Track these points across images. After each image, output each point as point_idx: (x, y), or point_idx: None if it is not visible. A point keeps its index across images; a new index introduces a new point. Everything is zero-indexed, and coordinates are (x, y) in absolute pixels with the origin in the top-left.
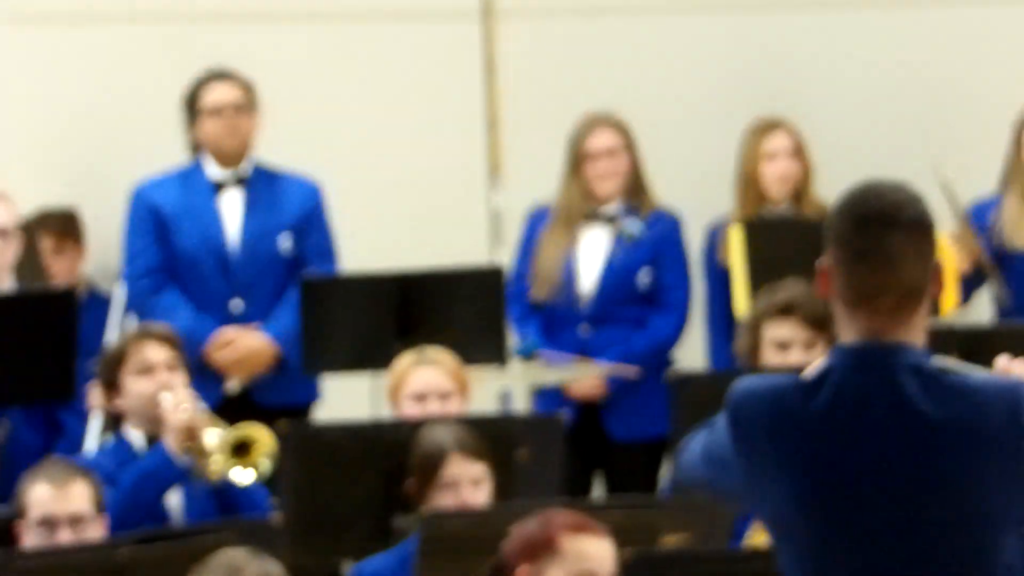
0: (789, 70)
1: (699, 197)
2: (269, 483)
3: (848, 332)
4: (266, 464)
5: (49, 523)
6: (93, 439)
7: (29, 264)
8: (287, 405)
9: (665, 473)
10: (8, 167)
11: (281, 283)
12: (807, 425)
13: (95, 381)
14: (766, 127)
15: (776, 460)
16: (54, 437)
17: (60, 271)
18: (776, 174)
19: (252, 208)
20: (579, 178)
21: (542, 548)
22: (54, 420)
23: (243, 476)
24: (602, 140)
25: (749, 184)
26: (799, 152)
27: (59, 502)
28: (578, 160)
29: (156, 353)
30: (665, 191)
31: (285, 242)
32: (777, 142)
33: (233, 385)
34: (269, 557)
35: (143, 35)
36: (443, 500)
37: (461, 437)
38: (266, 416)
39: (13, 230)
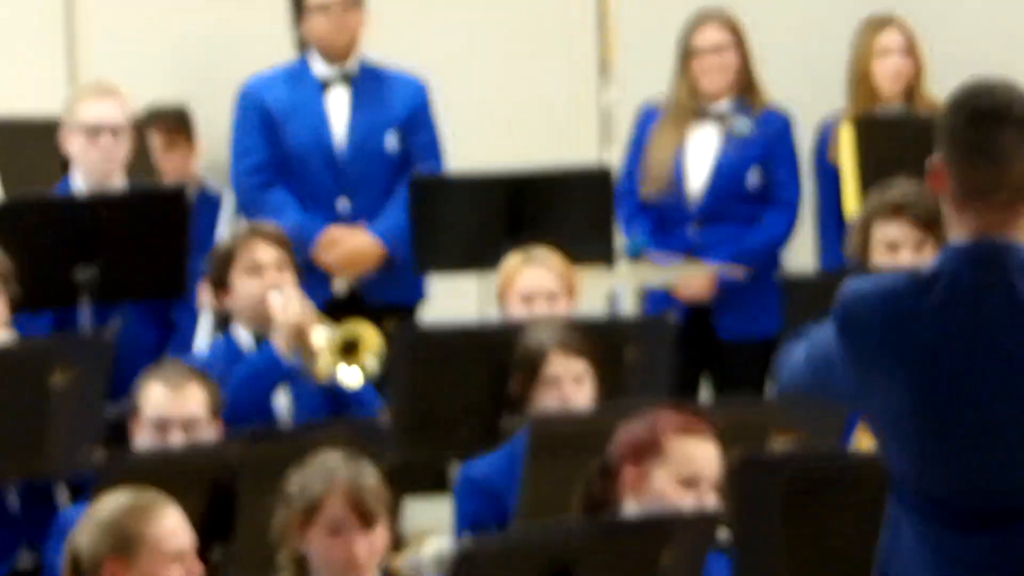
0: None
1: (811, 95)
2: (377, 382)
3: (959, 230)
4: (374, 363)
5: (163, 424)
6: (204, 337)
7: (140, 161)
8: (394, 304)
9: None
10: (119, 63)
11: (389, 182)
12: (921, 323)
13: (205, 280)
14: (878, 24)
15: (889, 358)
16: (166, 334)
17: (171, 168)
18: (888, 71)
19: (359, 106)
20: (687, 75)
21: (648, 449)
22: (166, 317)
23: (350, 375)
24: (710, 36)
25: (861, 82)
26: (911, 49)
27: (174, 404)
28: (686, 56)
29: (265, 253)
30: (776, 89)
31: (392, 140)
32: (889, 39)
33: (340, 284)
34: (367, 461)
35: None
36: (545, 397)
37: (562, 334)
38: (373, 315)
39: (125, 127)
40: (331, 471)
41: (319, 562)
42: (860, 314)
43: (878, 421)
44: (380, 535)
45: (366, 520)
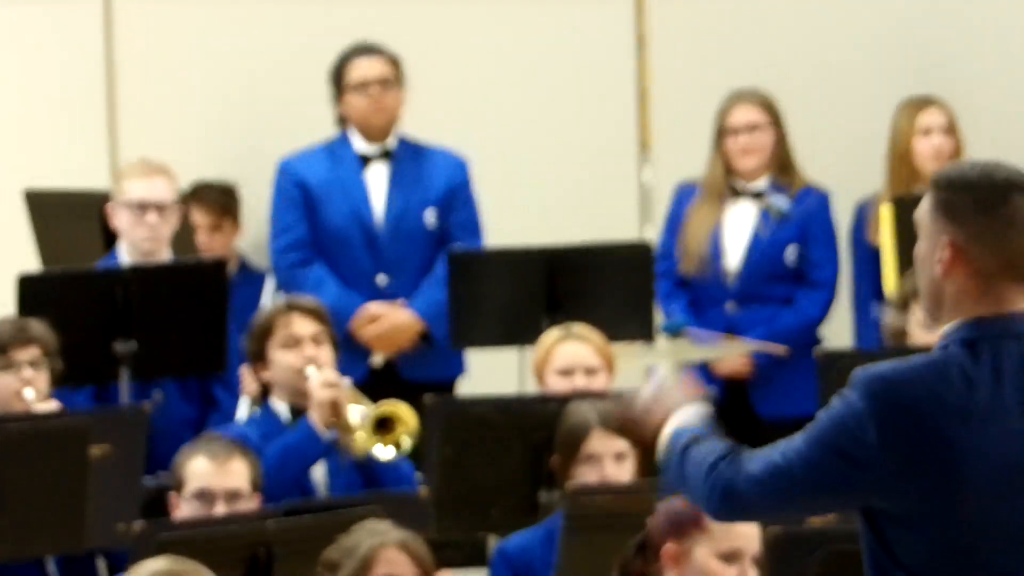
0: (938, 46)
1: (847, 174)
2: (414, 457)
3: (985, 304)
4: (408, 442)
5: (206, 497)
6: (244, 414)
7: (185, 239)
8: (432, 380)
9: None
10: (160, 139)
11: (427, 258)
12: (972, 405)
13: (247, 362)
14: (920, 103)
15: (935, 443)
16: (206, 410)
17: (216, 246)
18: (931, 151)
19: (398, 182)
20: (722, 153)
21: (689, 525)
22: (207, 393)
23: (385, 453)
24: (743, 115)
25: (902, 161)
26: (952, 128)
27: (218, 477)
28: (721, 135)
29: (303, 326)
30: (813, 167)
31: (431, 217)
32: (931, 118)
33: (378, 360)
34: (414, 530)
35: (294, 10)
36: (586, 475)
37: (604, 412)
38: (411, 390)
39: (171, 204)
40: (380, 532)
41: None
42: (898, 400)
43: (892, 514)
44: None
45: (424, 571)
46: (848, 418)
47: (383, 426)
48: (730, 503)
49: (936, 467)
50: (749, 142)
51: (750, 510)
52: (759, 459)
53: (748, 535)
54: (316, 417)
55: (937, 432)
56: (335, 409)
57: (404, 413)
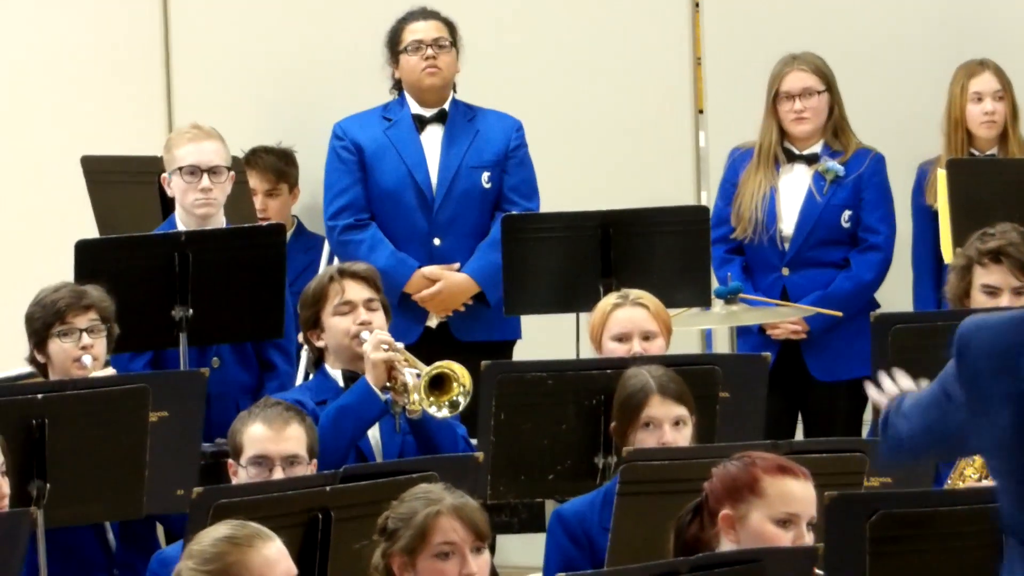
0: (992, 7)
1: (904, 138)
2: (468, 419)
3: None
4: (463, 401)
5: (263, 463)
6: (301, 379)
7: (241, 204)
8: (488, 342)
9: (868, 416)
10: (216, 106)
11: (482, 220)
12: None
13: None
14: (973, 69)
15: (996, 389)
16: (264, 376)
17: (272, 211)
18: (984, 115)
19: (453, 144)
20: (776, 118)
21: (745, 490)
22: (264, 359)
23: (440, 412)
24: (798, 80)
25: (956, 126)
26: (1005, 93)
27: (274, 443)
28: (775, 100)
29: (356, 292)
30: (868, 132)
31: (486, 179)
32: (983, 84)
33: (433, 322)
34: (470, 495)
35: None
36: (644, 441)
37: (663, 379)
38: (466, 352)
39: (225, 169)
40: (435, 498)
41: None
42: (974, 343)
43: (988, 460)
44: (487, 559)
45: (480, 537)
46: (951, 360)
47: (438, 385)
48: (887, 443)
49: (1006, 408)
50: (804, 107)
51: (903, 449)
52: (912, 395)
53: (804, 499)
54: (371, 378)
55: (1015, 375)
56: (390, 370)
57: (459, 372)
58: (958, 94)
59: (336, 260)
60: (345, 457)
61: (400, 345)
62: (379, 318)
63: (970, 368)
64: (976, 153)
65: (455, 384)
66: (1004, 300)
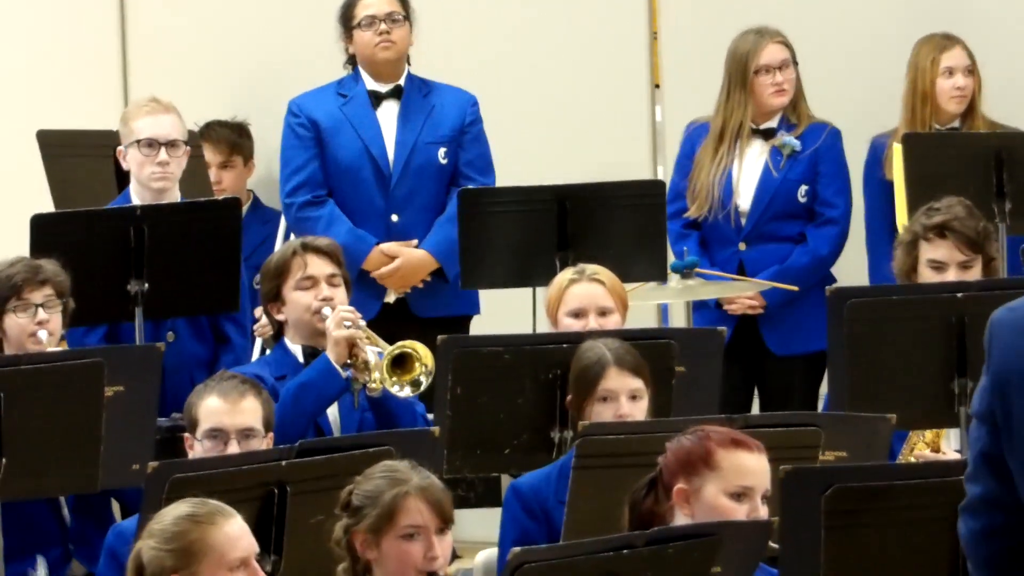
0: None
1: (858, 112)
2: (426, 396)
3: None
4: (425, 381)
5: (218, 435)
6: (257, 353)
7: (196, 180)
8: (446, 317)
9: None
10: (172, 81)
11: (439, 196)
12: None
13: (262, 302)
14: (943, 44)
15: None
16: (220, 349)
17: (227, 184)
18: (955, 90)
19: (408, 120)
20: (747, 93)
21: (699, 463)
22: (219, 332)
23: (402, 392)
24: (777, 53)
25: (924, 100)
26: (973, 69)
27: (230, 416)
28: (748, 74)
29: (319, 267)
30: (823, 106)
31: (442, 154)
32: (955, 59)
33: (391, 298)
34: (427, 470)
35: None
36: (601, 414)
37: (620, 352)
38: (424, 327)
39: (181, 142)
40: (402, 478)
41: (392, 568)
42: (999, 335)
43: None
44: (450, 540)
45: (445, 520)
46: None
47: (400, 364)
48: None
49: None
50: (783, 79)
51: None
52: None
53: (758, 472)
54: (332, 355)
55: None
56: (351, 347)
57: (420, 351)
58: (928, 67)
59: (292, 236)
60: (304, 433)
61: (362, 322)
62: (341, 294)
63: (999, 353)
64: (938, 127)
65: (417, 363)
66: (950, 275)
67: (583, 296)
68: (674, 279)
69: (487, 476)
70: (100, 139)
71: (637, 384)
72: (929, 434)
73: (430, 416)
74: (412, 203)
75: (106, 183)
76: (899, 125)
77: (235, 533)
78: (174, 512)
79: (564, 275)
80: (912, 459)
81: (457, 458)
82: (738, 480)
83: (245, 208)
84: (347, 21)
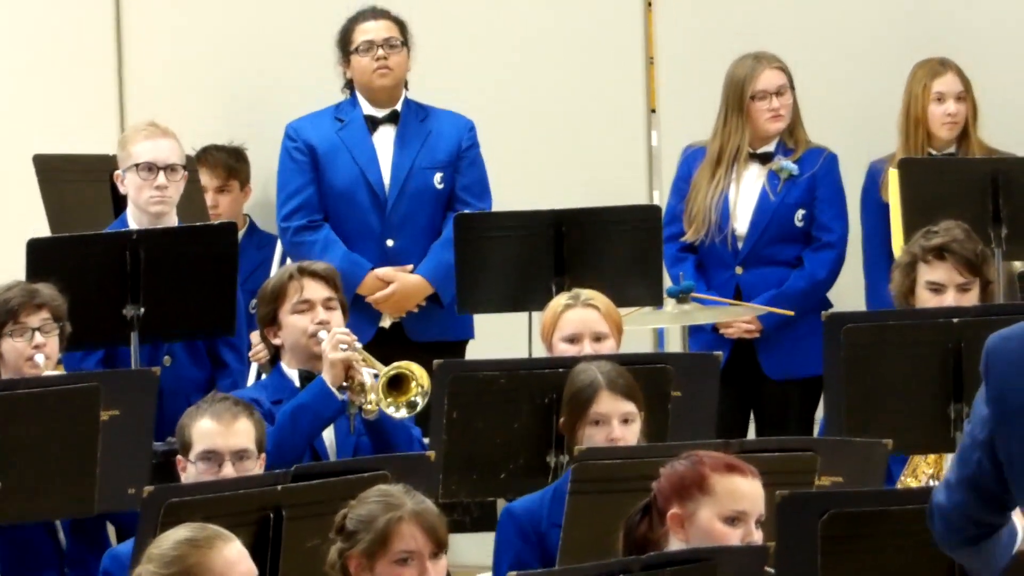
0: (943, 8)
1: (851, 137)
2: (422, 420)
3: None
4: (421, 401)
5: (212, 457)
6: (253, 378)
7: (192, 204)
8: (441, 341)
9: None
10: (168, 105)
11: (435, 220)
12: None
13: (259, 327)
14: (936, 69)
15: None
16: (216, 373)
17: (224, 208)
18: (946, 116)
19: (405, 144)
20: (744, 117)
21: (693, 488)
22: (216, 356)
23: (398, 413)
24: (774, 78)
25: (917, 124)
26: (967, 94)
27: (224, 437)
28: (745, 99)
29: (315, 291)
30: (820, 130)
31: (439, 179)
32: (946, 85)
33: (386, 323)
34: (422, 494)
35: None
36: (593, 437)
37: (612, 375)
38: (419, 352)
39: (179, 166)
40: (396, 503)
41: None
42: (998, 356)
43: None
44: (444, 564)
45: (439, 545)
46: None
47: (396, 385)
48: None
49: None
50: (780, 104)
51: (946, 514)
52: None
53: (752, 496)
54: (328, 377)
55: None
56: (347, 369)
57: (417, 372)
58: (920, 93)
59: (288, 260)
60: (300, 456)
61: (359, 344)
62: (337, 317)
63: (997, 383)
64: (933, 152)
65: (413, 384)
66: (949, 297)
67: (578, 322)
68: (670, 304)
69: (483, 500)
70: (96, 163)
71: (629, 407)
72: (932, 457)
73: (426, 440)
74: (408, 228)
75: (102, 207)
76: (896, 150)
77: (234, 558)
78: (174, 536)
79: (559, 300)
80: (913, 483)
81: (453, 482)
82: (732, 504)
83: (241, 232)
84: (345, 46)
